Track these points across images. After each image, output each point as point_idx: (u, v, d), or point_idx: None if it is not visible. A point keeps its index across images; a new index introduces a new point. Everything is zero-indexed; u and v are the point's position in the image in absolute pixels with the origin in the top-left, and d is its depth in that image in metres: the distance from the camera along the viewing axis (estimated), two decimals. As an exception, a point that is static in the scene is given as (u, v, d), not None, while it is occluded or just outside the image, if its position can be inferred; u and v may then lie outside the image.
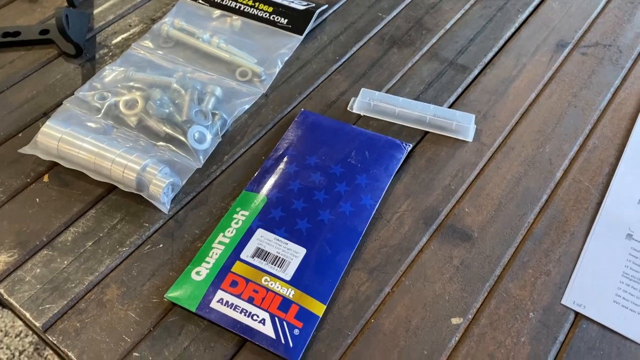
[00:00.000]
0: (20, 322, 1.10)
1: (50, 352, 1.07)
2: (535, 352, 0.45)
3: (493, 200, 0.55)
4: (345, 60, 0.68)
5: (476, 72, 0.67)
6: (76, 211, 0.53)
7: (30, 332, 1.09)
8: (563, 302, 0.48)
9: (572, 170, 0.57)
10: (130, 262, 0.50)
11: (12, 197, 0.54)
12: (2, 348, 1.07)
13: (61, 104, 0.61)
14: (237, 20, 0.71)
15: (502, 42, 0.70)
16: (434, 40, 0.70)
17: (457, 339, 0.46)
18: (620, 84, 0.66)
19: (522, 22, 0.73)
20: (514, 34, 0.71)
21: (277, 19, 0.70)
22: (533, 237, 0.52)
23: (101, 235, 0.52)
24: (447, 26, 0.72)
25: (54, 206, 0.54)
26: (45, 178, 0.56)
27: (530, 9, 0.74)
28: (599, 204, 0.54)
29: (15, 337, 1.08)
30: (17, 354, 1.06)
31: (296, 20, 0.70)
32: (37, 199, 0.54)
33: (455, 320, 0.47)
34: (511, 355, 0.45)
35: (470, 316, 0.47)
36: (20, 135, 0.60)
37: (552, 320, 0.47)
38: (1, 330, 1.10)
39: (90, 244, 0.51)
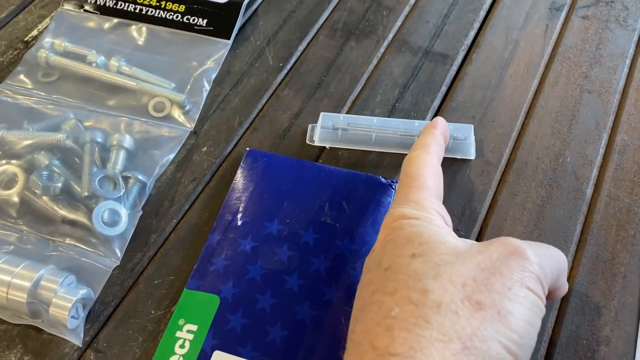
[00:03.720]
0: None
1: None
2: None
3: (517, 244, 0.42)
4: (292, 66, 0.52)
5: (459, 59, 0.52)
6: (-52, 360, 0.37)
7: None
8: (635, 382, 0.36)
9: (604, 184, 0.45)
10: None
11: None
12: None
13: None
14: (140, 29, 0.53)
15: (482, 13, 0.56)
16: (399, 23, 0.55)
17: None
18: (635, 52, 0.53)
19: (502, -17, 0.58)
20: (495, 1, 0.57)
21: (194, 20, 0.53)
22: (577, 291, 0.40)
23: (-10, 394, 0.36)
24: (412, 1, 0.57)
25: None
26: None
27: (509, -36, 0.60)
28: (648, 226, 0.42)
29: None
30: None
31: (219, 19, 0.53)
32: None
33: None
34: None
35: None
36: None
37: (628, 414, 0.35)
38: None
39: (-25, 411, 0.35)
